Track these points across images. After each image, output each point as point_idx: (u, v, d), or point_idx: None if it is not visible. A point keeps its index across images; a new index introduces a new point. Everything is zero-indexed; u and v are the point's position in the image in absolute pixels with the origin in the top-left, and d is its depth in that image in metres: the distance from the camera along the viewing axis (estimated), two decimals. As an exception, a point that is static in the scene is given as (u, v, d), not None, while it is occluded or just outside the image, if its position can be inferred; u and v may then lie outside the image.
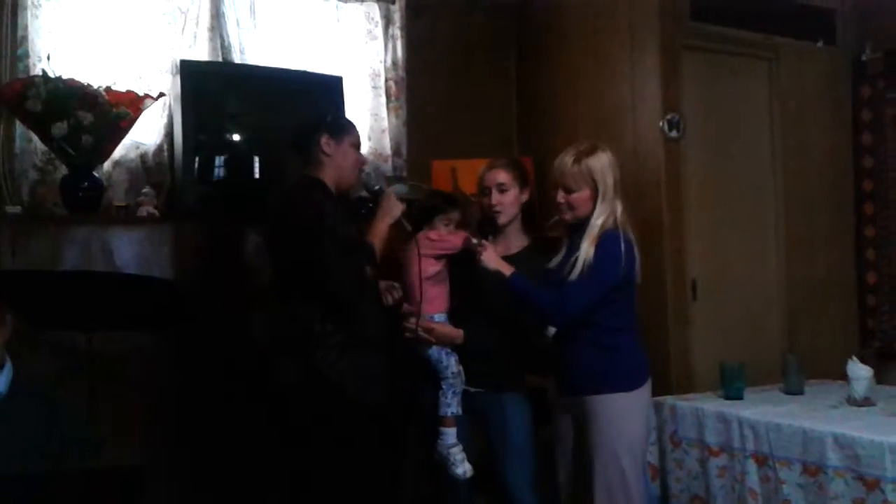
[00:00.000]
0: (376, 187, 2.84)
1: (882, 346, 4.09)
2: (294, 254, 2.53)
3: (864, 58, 4.17)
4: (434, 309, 2.79)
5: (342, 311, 2.50)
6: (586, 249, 2.58)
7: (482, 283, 2.75)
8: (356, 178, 2.77)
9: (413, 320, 2.77)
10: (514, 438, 2.81)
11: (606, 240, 2.58)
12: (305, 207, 2.50)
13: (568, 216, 2.68)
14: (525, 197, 2.93)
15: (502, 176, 2.88)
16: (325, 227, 2.45)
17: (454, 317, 2.85)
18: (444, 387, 2.78)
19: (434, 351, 2.79)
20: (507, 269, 2.66)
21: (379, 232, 2.63)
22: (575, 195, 2.63)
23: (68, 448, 2.29)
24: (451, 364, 2.79)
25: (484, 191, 2.91)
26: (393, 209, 2.67)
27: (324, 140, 2.62)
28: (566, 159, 2.65)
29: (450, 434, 2.76)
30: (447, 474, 2.77)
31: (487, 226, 2.88)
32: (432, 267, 2.78)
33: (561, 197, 2.66)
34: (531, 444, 2.86)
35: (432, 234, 2.80)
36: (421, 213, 2.86)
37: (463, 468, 2.74)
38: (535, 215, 3.06)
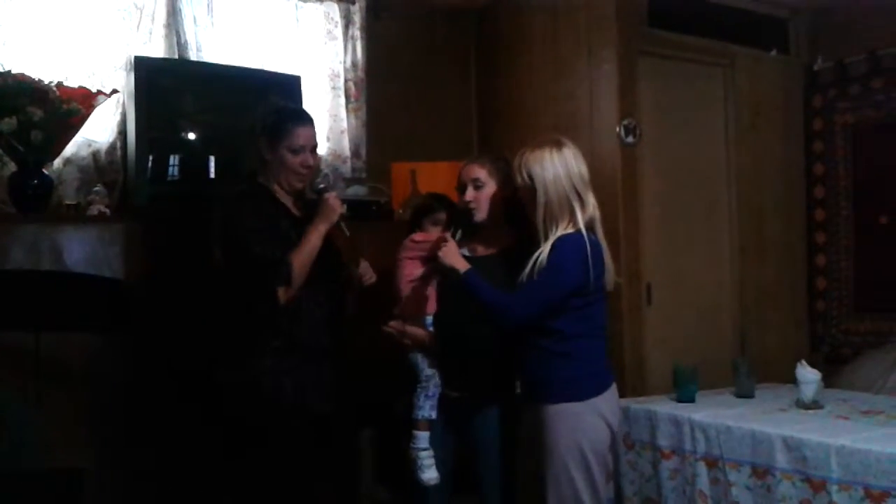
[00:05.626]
0: (321, 186, 2.73)
1: (830, 351, 4.18)
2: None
3: (815, 67, 4.26)
4: (421, 311, 2.74)
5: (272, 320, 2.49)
6: (542, 251, 2.46)
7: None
8: (299, 181, 2.64)
9: (392, 323, 2.75)
10: (487, 446, 2.71)
11: (563, 243, 2.46)
12: (226, 222, 2.49)
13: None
14: (505, 195, 2.71)
15: (478, 171, 2.72)
16: (236, 248, 2.46)
17: (441, 319, 2.75)
18: (417, 389, 2.73)
19: (411, 354, 2.76)
20: (461, 266, 2.53)
21: (311, 239, 2.51)
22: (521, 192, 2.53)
23: (16, 450, 2.25)
24: (424, 367, 2.73)
25: (461, 186, 2.78)
26: (330, 213, 2.55)
27: (262, 144, 2.56)
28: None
29: (422, 438, 2.70)
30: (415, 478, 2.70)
31: (462, 222, 2.72)
32: (418, 269, 2.75)
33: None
34: (506, 452, 2.73)
35: (417, 236, 2.78)
36: (413, 215, 2.85)
37: (429, 474, 2.67)
38: (522, 215, 2.72)
